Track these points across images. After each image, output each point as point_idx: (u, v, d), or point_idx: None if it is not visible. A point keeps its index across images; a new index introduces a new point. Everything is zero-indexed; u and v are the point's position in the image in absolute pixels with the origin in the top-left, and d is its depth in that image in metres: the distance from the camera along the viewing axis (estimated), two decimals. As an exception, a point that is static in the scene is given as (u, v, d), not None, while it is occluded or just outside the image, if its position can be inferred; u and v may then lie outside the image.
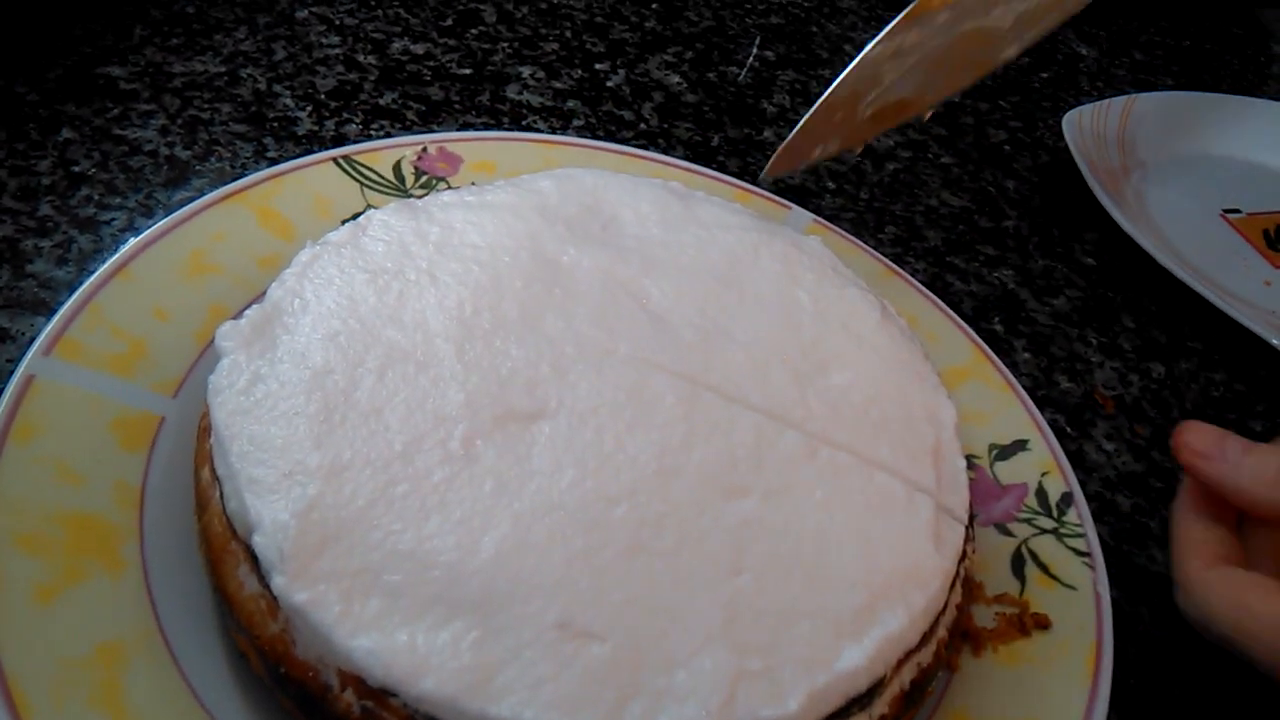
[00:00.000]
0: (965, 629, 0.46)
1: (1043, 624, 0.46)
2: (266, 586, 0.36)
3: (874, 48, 0.51)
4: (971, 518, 0.46)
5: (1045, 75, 0.98)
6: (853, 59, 0.52)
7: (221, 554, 0.39)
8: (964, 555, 0.44)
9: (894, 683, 0.39)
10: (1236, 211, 0.85)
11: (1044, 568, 0.48)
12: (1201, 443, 0.48)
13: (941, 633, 0.42)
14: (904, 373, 0.49)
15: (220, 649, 0.41)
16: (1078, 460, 0.61)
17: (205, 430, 0.42)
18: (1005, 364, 0.58)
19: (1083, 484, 0.53)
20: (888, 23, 0.51)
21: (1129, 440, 0.64)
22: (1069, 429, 0.64)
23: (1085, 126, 0.83)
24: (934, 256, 0.74)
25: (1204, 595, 0.45)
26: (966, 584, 0.45)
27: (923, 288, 0.61)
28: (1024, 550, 0.49)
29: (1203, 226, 0.83)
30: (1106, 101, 0.87)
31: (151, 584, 0.41)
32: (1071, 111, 0.83)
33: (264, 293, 0.46)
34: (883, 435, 0.45)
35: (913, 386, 0.48)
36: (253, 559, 0.37)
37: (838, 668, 0.37)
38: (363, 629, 0.34)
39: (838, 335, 0.50)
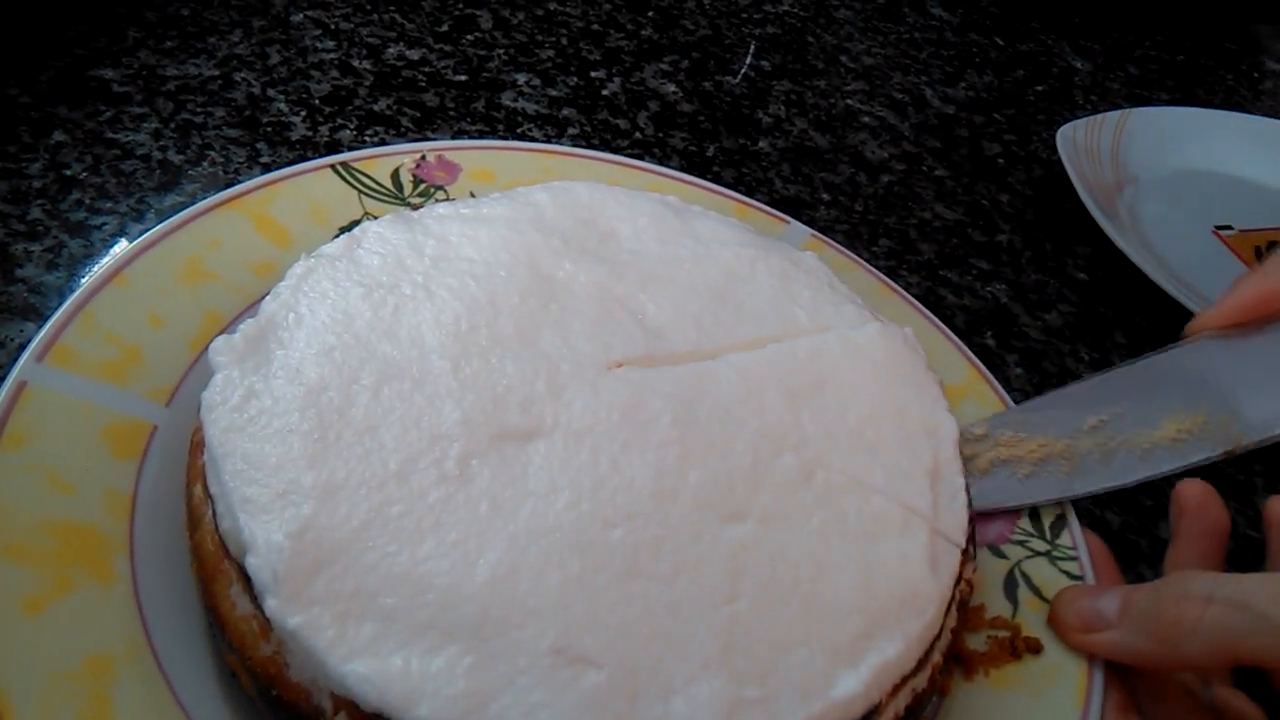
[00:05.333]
0: (957, 652, 0.46)
1: (1034, 648, 0.46)
2: (259, 608, 0.36)
3: None
4: (972, 539, 0.46)
5: (1040, 89, 0.98)
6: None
7: (214, 573, 0.38)
8: (959, 579, 0.44)
9: (889, 709, 0.39)
10: (1229, 228, 0.85)
11: (1036, 590, 0.48)
12: (1077, 616, 0.46)
13: (936, 657, 0.42)
14: (904, 386, 0.49)
15: (210, 665, 0.40)
16: (1069, 479, 0.61)
17: (198, 446, 0.41)
18: (997, 379, 0.58)
19: (1073, 501, 0.52)
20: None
21: (1120, 458, 0.64)
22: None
23: (1079, 141, 0.83)
24: (927, 270, 0.74)
25: None
26: (962, 608, 0.45)
27: (920, 305, 0.61)
28: (1017, 573, 0.49)
29: (1195, 243, 0.83)
30: (1100, 116, 0.87)
31: (141, 596, 0.41)
32: (1065, 126, 0.83)
33: (259, 302, 0.46)
34: (878, 458, 0.45)
35: (912, 401, 0.48)
36: (245, 579, 0.37)
37: (834, 695, 0.37)
38: (357, 654, 0.34)
39: (835, 349, 0.49)
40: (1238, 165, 0.91)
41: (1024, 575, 0.49)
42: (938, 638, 0.41)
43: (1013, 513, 0.51)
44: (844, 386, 0.48)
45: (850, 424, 0.46)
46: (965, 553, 0.45)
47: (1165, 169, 0.88)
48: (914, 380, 0.49)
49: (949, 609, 0.42)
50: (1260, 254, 0.83)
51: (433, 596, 0.35)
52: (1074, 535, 0.50)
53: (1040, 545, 0.50)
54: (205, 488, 0.40)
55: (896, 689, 0.39)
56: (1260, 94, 1.10)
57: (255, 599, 0.36)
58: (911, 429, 0.47)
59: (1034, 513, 0.51)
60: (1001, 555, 0.50)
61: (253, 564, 0.36)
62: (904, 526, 0.43)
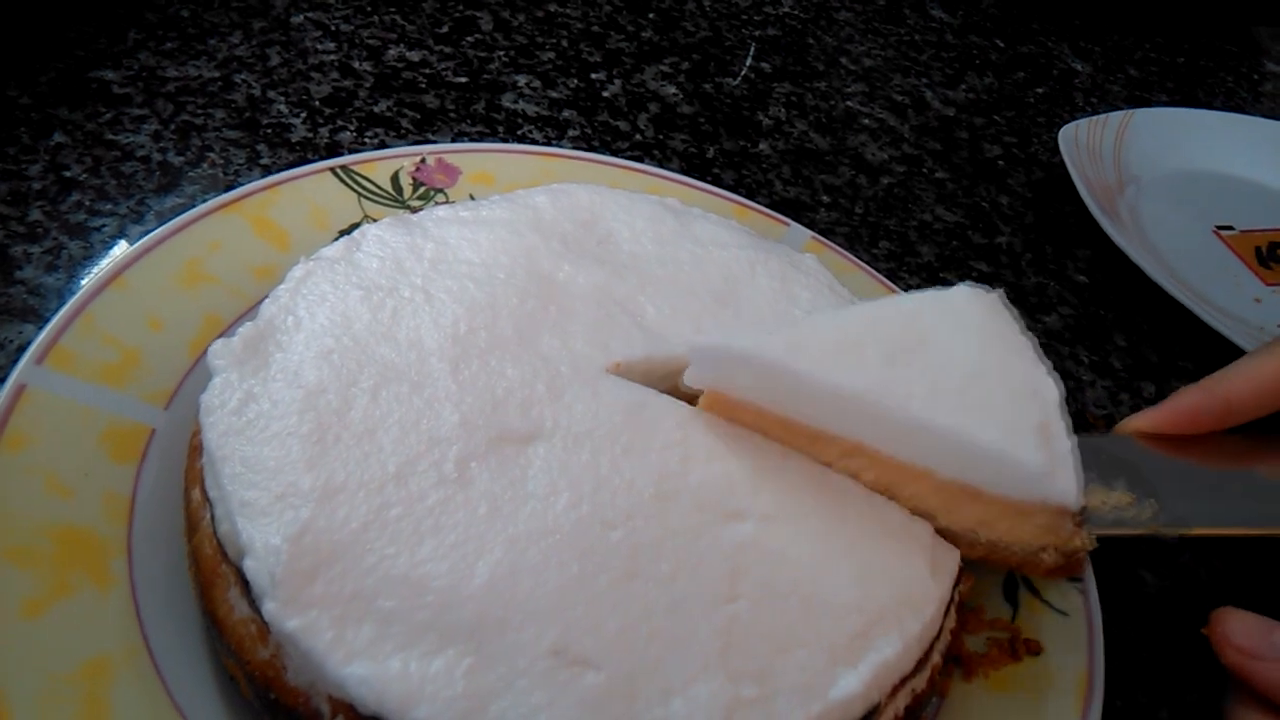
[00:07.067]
0: (957, 654, 0.45)
1: (1034, 649, 0.46)
2: (257, 611, 0.36)
3: None
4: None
5: (1040, 91, 0.98)
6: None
7: (212, 577, 0.38)
8: (958, 580, 0.44)
9: (889, 709, 0.39)
10: (1229, 228, 0.85)
11: (1036, 593, 0.48)
12: (1246, 638, 0.42)
13: (935, 658, 0.42)
14: (1002, 346, 0.46)
15: (208, 668, 0.40)
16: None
17: (196, 449, 0.41)
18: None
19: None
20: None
21: (1121, 460, 0.64)
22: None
23: (1081, 141, 0.83)
24: (928, 272, 0.74)
25: None
26: (963, 608, 0.45)
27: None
28: (1017, 575, 0.49)
29: (1196, 243, 0.83)
30: (1104, 116, 0.87)
31: (139, 600, 0.41)
32: (1068, 126, 0.83)
33: (258, 305, 0.46)
34: (988, 414, 0.43)
35: (1012, 360, 0.46)
36: (243, 583, 0.36)
37: (833, 695, 0.37)
38: (355, 656, 0.34)
39: (931, 309, 0.47)
40: (1239, 166, 0.91)
41: (1023, 578, 0.49)
42: (937, 638, 0.41)
43: None
44: (942, 346, 0.45)
45: (955, 381, 0.44)
46: (1080, 515, 0.43)
47: (1166, 169, 0.88)
48: (1011, 341, 0.47)
49: (948, 610, 0.42)
50: (1260, 254, 0.83)
51: (432, 598, 0.35)
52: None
53: (1040, 548, 0.50)
54: (204, 491, 0.40)
55: (895, 689, 0.39)
56: (1260, 95, 1.10)
57: (253, 602, 0.36)
58: (1015, 388, 0.44)
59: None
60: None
61: (251, 567, 0.36)
62: (905, 528, 0.43)
